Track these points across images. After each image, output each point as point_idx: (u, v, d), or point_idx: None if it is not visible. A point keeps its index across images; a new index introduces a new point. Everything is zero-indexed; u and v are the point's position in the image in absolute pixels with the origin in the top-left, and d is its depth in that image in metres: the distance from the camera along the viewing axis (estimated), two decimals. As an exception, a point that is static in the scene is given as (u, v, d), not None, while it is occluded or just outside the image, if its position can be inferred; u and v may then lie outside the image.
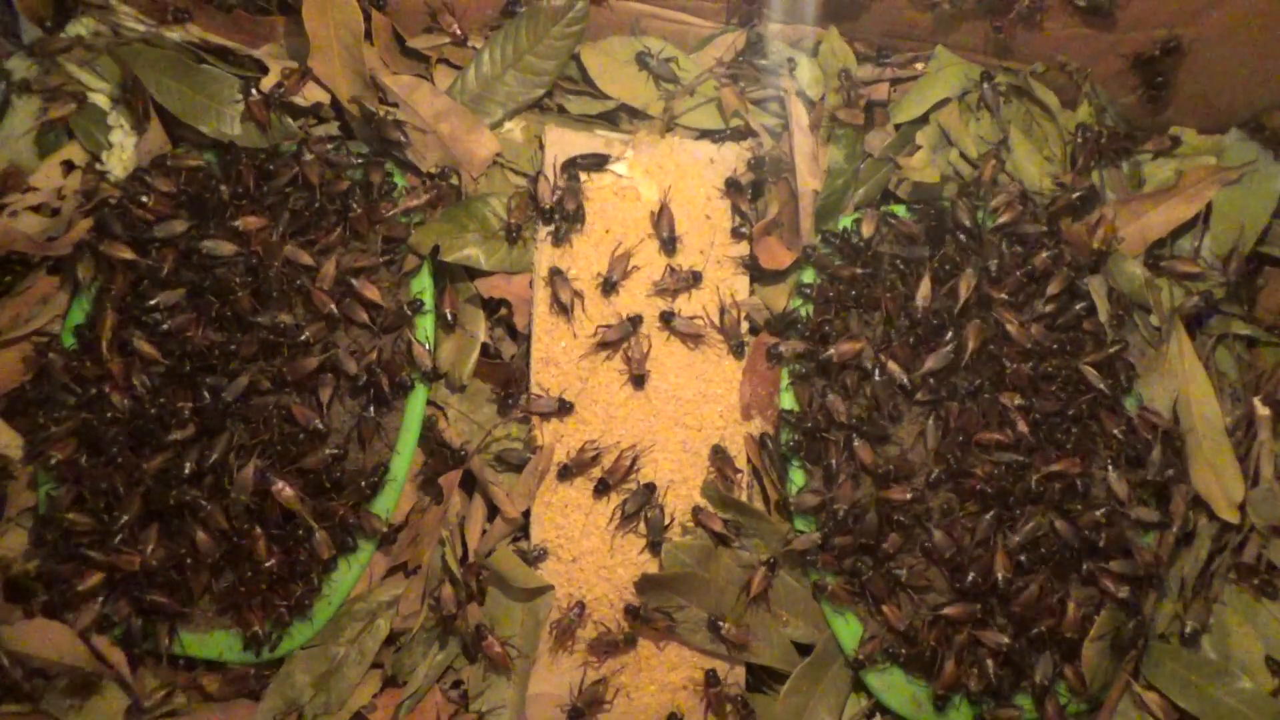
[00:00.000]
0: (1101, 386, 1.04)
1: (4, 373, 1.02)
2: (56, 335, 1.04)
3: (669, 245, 1.09)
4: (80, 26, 1.10)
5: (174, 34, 1.09)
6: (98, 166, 1.08)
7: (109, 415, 0.98)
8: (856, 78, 1.15)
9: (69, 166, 1.08)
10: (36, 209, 1.06)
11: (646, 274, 1.09)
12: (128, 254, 1.01)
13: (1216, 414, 1.06)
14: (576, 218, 1.08)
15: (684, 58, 1.16)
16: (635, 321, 1.06)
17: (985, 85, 1.15)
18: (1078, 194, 1.11)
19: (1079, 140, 1.14)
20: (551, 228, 1.09)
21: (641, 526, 1.03)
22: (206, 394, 0.97)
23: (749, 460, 1.06)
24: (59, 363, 1.00)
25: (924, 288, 1.05)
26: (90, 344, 1.01)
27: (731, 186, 1.11)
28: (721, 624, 0.99)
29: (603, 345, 1.06)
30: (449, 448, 1.02)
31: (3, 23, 1.08)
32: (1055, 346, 1.06)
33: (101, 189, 1.06)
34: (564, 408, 1.04)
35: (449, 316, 1.05)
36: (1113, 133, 1.15)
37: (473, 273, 1.09)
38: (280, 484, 0.96)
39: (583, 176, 1.10)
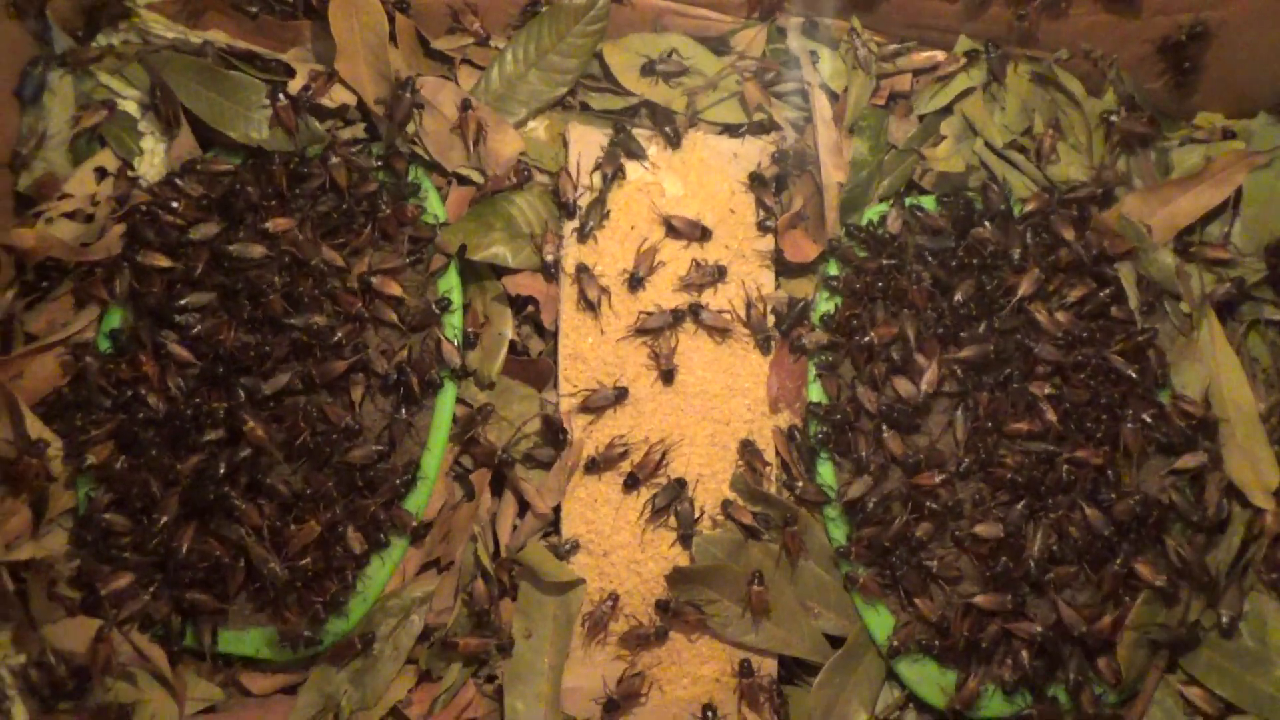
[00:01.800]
0: (1131, 374, 1.04)
1: (41, 377, 1.04)
2: (92, 340, 1.05)
3: (695, 232, 1.09)
4: (111, 36, 1.11)
5: (201, 40, 1.11)
6: (129, 173, 1.10)
7: (145, 417, 0.99)
8: (864, 37, 1.14)
9: (102, 173, 1.10)
10: (71, 215, 1.08)
11: (672, 270, 1.10)
12: (164, 262, 1.03)
13: (1249, 400, 1.05)
14: (616, 177, 1.08)
15: (706, 53, 1.16)
16: (679, 315, 1.06)
17: (991, 52, 1.14)
18: (1105, 183, 1.10)
19: (1108, 125, 1.13)
20: (576, 224, 1.09)
21: (671, 520, 1.04)
22: (242, 393, 0.98)
23: (777, 453, 1.07)
24: (95, 366, 1.01)
25: (966, 287, 1.05)
26: (125, 348, 1.03)
27: (755, 180, 1.11)
28: (756, 584, 0.99)
29: (641, 331, 1.06)
30: (488, 450, 1.03)
31: (36, 33, 1.10)
32: (1085, 335, 1.05)
33: (134, 195, 1.08)
34: (621, 395, 1.04)
35: (472, 336, 1.06)
36: (1137, 117, 1.14)
37: (500, 270, 1.09)
38: (251, 423, 0.96)
39: (613, 178, 1.10)
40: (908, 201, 1.12)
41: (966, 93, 1.15)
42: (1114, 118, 1.14)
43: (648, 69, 1.13)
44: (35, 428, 1.00)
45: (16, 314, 1.05)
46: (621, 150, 1.10)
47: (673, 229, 1.09)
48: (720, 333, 1.08)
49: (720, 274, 1.08)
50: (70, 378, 1.03)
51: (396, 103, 1.09)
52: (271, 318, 1.01)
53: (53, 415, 1.03)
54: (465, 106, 1.10)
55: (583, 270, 1.07)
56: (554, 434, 1.03)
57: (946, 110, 1.16)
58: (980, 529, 1.00)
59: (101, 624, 0.96)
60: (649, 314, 1.07)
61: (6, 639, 0.96)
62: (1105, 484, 1.02)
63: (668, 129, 1.11)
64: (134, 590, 0.97)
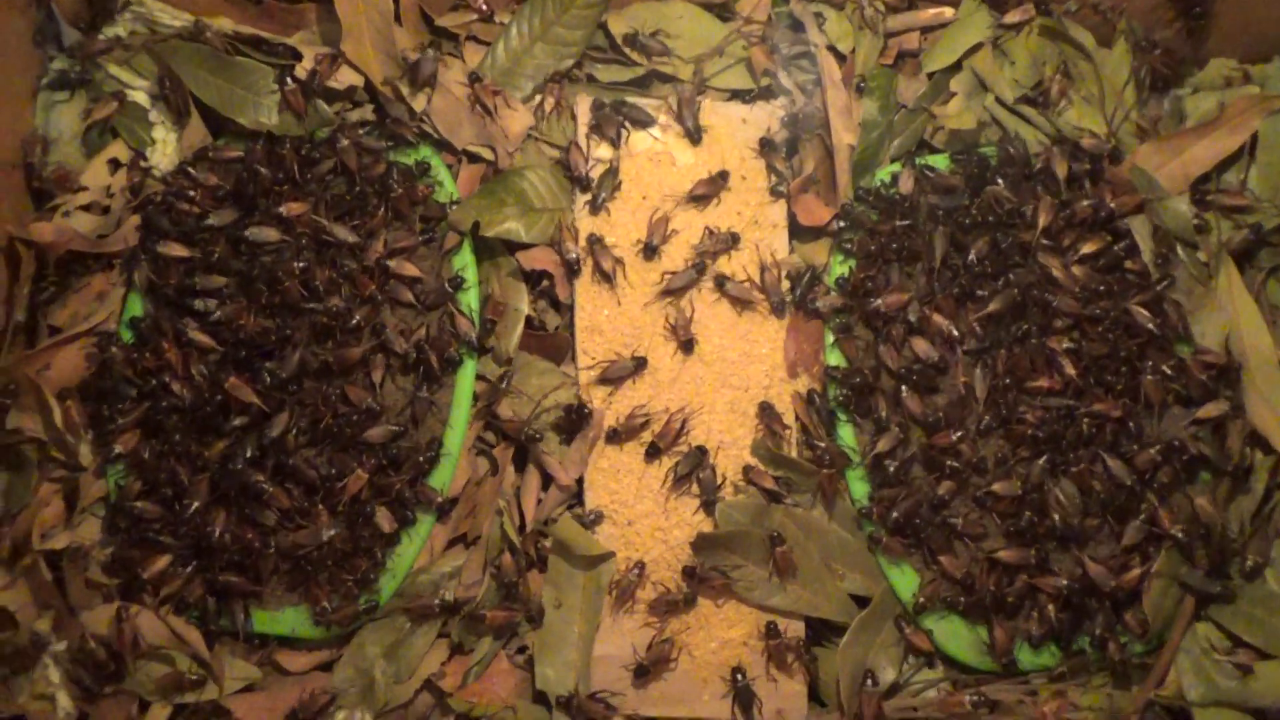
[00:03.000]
0: (1150, 326, 1.04)
1: (67, 368, 1.05)
2: (114, 330, 1.06)
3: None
4: (117, 27, 1.12)
5: (206, 28, 1.11)
6: (142, 163, 1.11)
7: (170, 405, 1.01)
8: None
9: (115, 165, 1.11)
10: (87, 208, 1.09)
11: (685, 238, 1.10)
12: (182, 251, 1.04)
13: (1270, 347, 1.04)
14: (621, 140, 1.09)
15: (711, 19, 1.16)
16: (699, 268, 1.06)
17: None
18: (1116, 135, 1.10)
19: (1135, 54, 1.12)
20: (588, 196, 1.09)
21: (694, 488, 1.04)
22: (267, 376, 0.99)
23: (796, 417, 1.07)
24: (120, 356, 1.02)
25: (980, 245, 1.04)
26: (146, 337, 1.04)
27: (765, 145, 1.11)
28: (779, 545, 1.00)
29: (668, 293, 1.07)
30: (510, 426, 1.04)
31: (44, 28, 1.10)
32: (1101, 289, 1.05)
33: (148, 184, 1.08)
34: (640, 365, 1.05)
35: (490, 324, 1.07)
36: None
37: (513, 246, 1.10)
38: (234, 379, 0.98)
39: (620, 143, 1.10)
40: (919, 161, 1.11)
41: (976, 48, 1.14)
42: (1142, 46, 1.12)
43: (631, 41, 1.13)
44: (63, 419, 1.01)
45: (40, 307, 1.06)
46: (622, 117, 1.10)
47: (697, 197, 1.09)
48: (738, 300, 1.08)
49: (734, 240, 1.08)
50: (95, 368, 1.05)
51: (418, 68, 1.08)
52: (289, 302, 1.02)
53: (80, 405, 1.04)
54: (474, 79, 1.10)
55: (596, 242, 1.08)
56: (576, 416, 1.04)
57: (956, 67, 1.15)
58: (999, 486, 1.00)
59: (120, 605, 0.98)
60: (672, 274, 1.07)
61: (47, 626, 0.98)
62: (1126, 436, 1.02)
63: (689, 124, 1.10)
64: (170, 573, 0.99)
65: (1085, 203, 1.07)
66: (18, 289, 1.04)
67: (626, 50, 1.14)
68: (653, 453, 1.04)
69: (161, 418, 1.01)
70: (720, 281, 1.07)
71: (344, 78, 1.10)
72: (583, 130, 1.11)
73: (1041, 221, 1.05)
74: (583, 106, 1.12)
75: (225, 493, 0.99)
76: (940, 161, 1.12)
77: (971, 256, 1.05)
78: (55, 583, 0.99)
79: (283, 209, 1.04)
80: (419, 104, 1.09)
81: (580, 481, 1.05)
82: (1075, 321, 1.05)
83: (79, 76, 1.10)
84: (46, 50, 1.11)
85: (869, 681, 1.00)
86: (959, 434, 1.00)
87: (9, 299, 1.05)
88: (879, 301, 1.05)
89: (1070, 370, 1.02)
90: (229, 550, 0.98)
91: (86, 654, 0.97)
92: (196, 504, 0.98)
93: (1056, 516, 0.99)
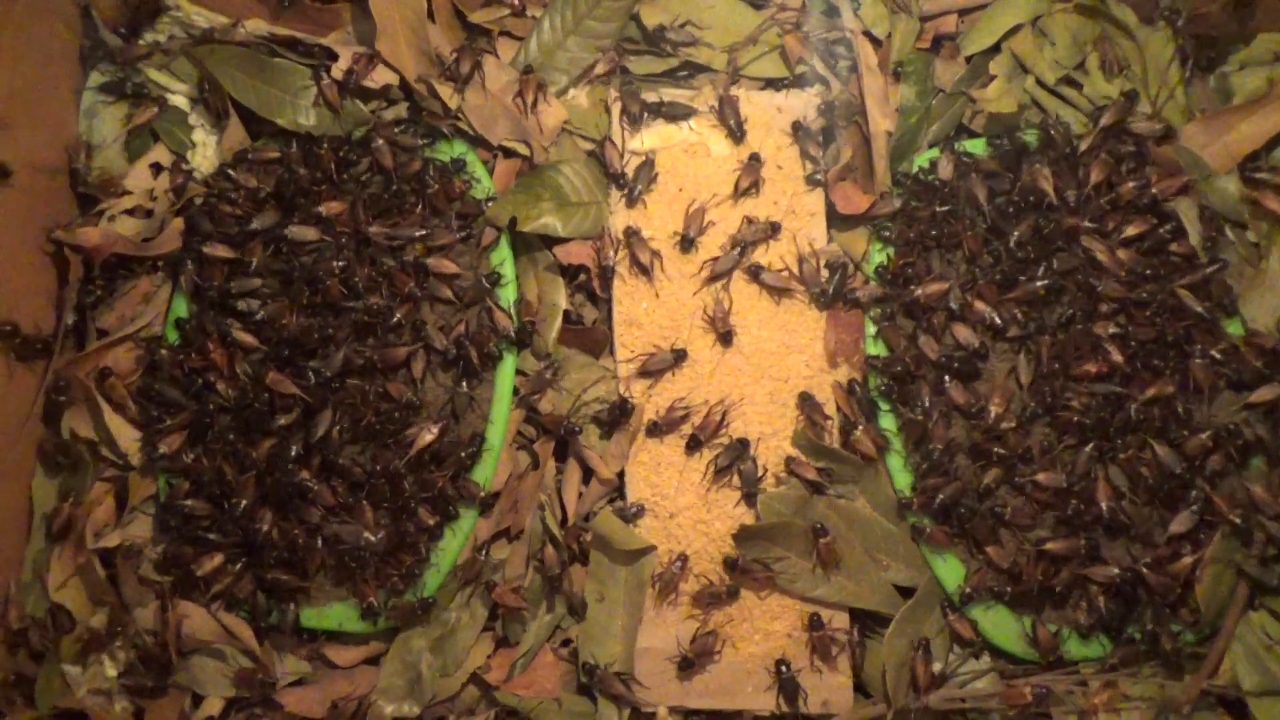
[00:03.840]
0: (1199, 309, 1.01)
1: (116, 370, 1.06)
2: (161, 333, 1.08)
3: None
4: (156, 32, 1.13)
5: (244, 30, 1.12)
6: (184, 166, 1.12)
7: (217, 405, 1.02)
8: None
9: (157, 168, 1.12)
10: (131, 212, 1.10)
11: (722, 229, 1.09)
12: (226, 253, 1.05)
13: (1324, 328, 1.02)
14: (642, 123, 1.09)
15: (744, 8, 1.15)
16: (741, 248, 1.06)
17: None
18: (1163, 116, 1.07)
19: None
20: (625, 191, 1.09)
21: (735, 480, 1.04)
22: (311, 375, 1.00)
23: (838, 408, 1.06)
24: (168, 357, 1.04)
25: (1023, 229, 1.03)
26: (191, 338, 1.05)
27: (798, 129, 1.10)
28: (822, 536, 1.00)
29: (714, 278, 1.07)
30: (549, 421, 1.04)
31: (89, 36, 1.12)
32: (1148, 272, 1.03)
33: (190, 187, 1.10)
34: (680, 358, 1.05)
35: (530, 326, 1.07)
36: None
37: (549, 241, 1.10)
38: (274, 374, 0.99)
39: (656, 136, 1.10)
40: (957, 146, 1.10)
41: (1015, 30, 1.12)
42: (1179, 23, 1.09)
43: (660, 32, 1.12)
44: (114, 421, 1.03)
45: (87, 310, 1.08)
46: (635, 103, 1.10)
47: (742, 191, 1.09)
48: (776, 291, 1.08)
49: (774, 230, 1.08)
50: (142, 370, 1.06)
51: (459, 65, 1.09)
52: (330, 301, 1.03)
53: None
54: (526, 70, 1.10)
55: (633, 234, 1.07)
56: (618, 412, 1.04)
57: (994, 49, 1.13)
58: (1044, 476, 0.99)
59: (164, 596, 0.99)
60: (714, 259, 1.06)
61: (102, 622, 1.00)
62: (1176, 421, 1.00)
63: (731, 122, 1.10)
64: (223, 570, 1.00)
65: (1130, 184, 1.05)
66: (66, 293, 1.07)
67: (657, 41, 1.13)
68: (693, 445, 1.04)
69: (208, 417, 1.02)
70: (755, 271, 1.07)
71: (379, 76, 1.11)
72: (617, 125, 1.10)
73: (1094, 177, 1.02)
74: (614, 101, 1.11)
75: (272, 490, 1.00)
76: (979, 146, 1.10)
77: (1013, 241, 1.04)
78: (109, 580, 1.01)
79: (321, 208, 1.05)
80: (454, 101, 1.10)
81: (621, 475, 1.05)
82: (1121, 306, 1.03)
83: (135, 87, 1.11)
84: (90, 58, 1.12)
85: (920, 651, 0.99)
86: (1006, 422, 0.99)
87: (59, 303, 1.07)
88: (920, 290, 1.03)
89: (1117, 356, 1.00)
90: (276, 547, 0.99)
91: (140, 649, 0.99)
92: (244, 502, 0.99)
93: (1104, 505, 0.97)
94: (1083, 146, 1.07)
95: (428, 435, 1.00)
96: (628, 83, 1.11)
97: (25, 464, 1.05)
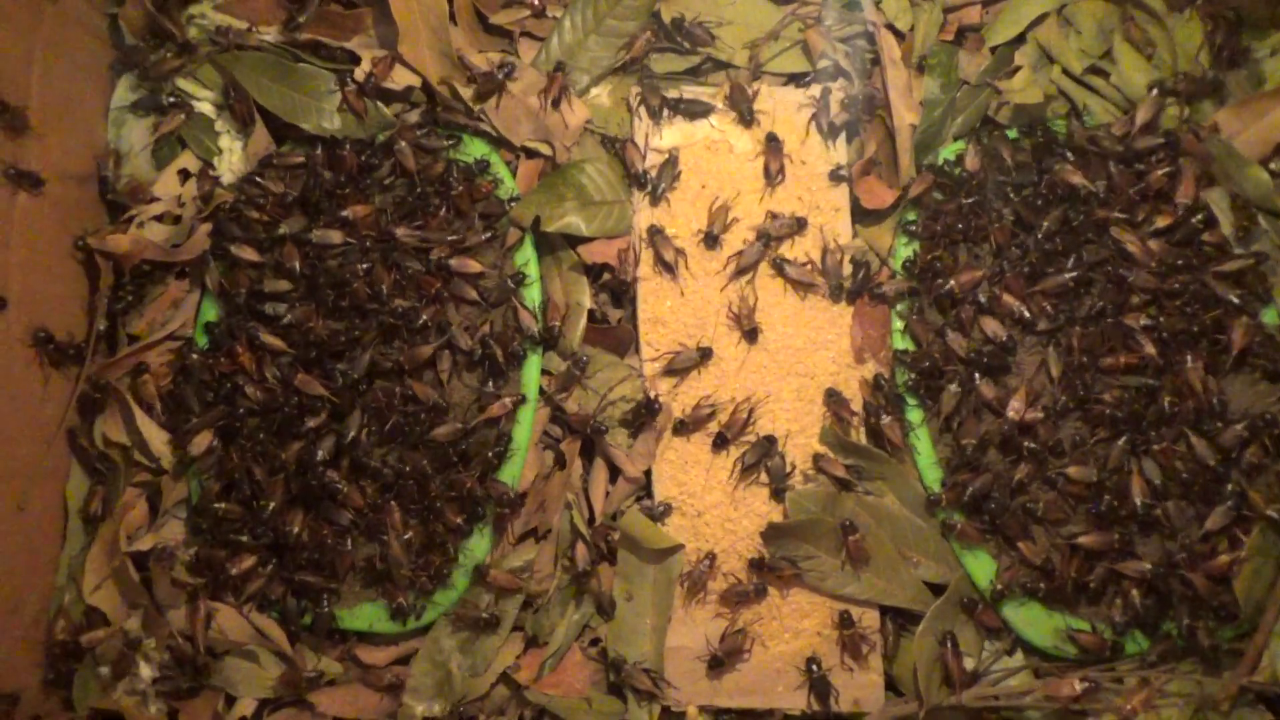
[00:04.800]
0: (1232, 298, 1.00)
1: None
2: (190, 337, 1.09)
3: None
4: (184, 30, 1.14)
5: (268, 35, 1.13)
6: (211, 172, 1.13)
7: (246, 409, 1.03)
8: None
9: (185, 175, 1.13)
10: (160, 218, 1.11)
11: (746, 225, 1.09)
12: (255, 257, 1.06)
13: (1363, 318, 1.00)
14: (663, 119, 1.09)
15: (766, 3, 1.14)
16: (765, 239, 1.05)
17: None
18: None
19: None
20: (647, 190, 1.09)
21: (762, 477, 1.04)
22: (340, 377, 1.01)
23: (865, 403, 1.05)
24: (198, 362, 1.05)
25: (1051, 221, 1.02)
26: (220, 342, 1.06)
27: (817, 119, 1.09)
28: (851, 533, 0.99)
29: (741, 271, 1.06)
30: (575, 420, 1.04)
31: (116, 47, 1.14)
32: (1180, 262, 1.02)
33: (217, 193, 1.11)
34: (705, 355, 1.04)
35: (556, 330, 1.07)
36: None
37: (574, 240, 1.10)
38: (303, 375, 1.00)
39: (678, 133, 1.09)
40: (983, 138, 1.08)
41: (1040, 19, 1.11)
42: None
43: (678, 29, 1.12)
44: (146, 425, 1.04)
45: (118, 316, 1.09)
46: (656, 97, 1.09)
47: (769, 176, 1.08)
48: (801, 287, 1.07)
49: (800, 225, 1.07)
50: (173, 374, 1.07)
51: (487, 81, 1.09)
52: (357, 304, 1.03)
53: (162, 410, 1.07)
54: (558, 68, 1.10)
55: (656, 233, 1.07)
56: (645, 411, 1.03)
57: (1019, 39, 1.12)
58: (1074, 470, 0.98)
59: (193, 595, 1.00)
60: (739, 253, 1.06)
61: (137, 625, 1.01)
62: (1210, 413, 0.98)
63: (741, 107, 1.09)
64: (255, 572, 1.01)
65: (1160, 173, 1.04)
66: (97, 299, 1.08)
67: (676, 37, 1.13)
68: (720, 443, 1.04)
69: (238, 421, 1.03)
70: (779, 264, 1.06)
71: (400, 79, 1.11)
72: (638, 125, 1.10)
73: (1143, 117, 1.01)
74: (635, 95, 1.11)
75: (301, 492, 1.01)
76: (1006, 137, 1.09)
77: (1041, 233, 1.03)
78: (143, 583, 1.02)
79: (346, 212, 1.05)
80: (476, 103, 1.10)
81: (648, 474, 1.05)
82: (1153, 297, 1.01)
83: (173, 101, 1.12)
84: (118, 69, 1.14)
85: (949, 644, 0.98)
86: (1036, 414, 0.98)
87: (90, 309, 1.09)
88: (950, 283, 1.02)
89: (1150, 349, 0.99)
90: (307, 549, 1.00)
91: (174, 650, 1.00)
92: (274, 504, 1.00)
93: (1138, 500, 0.96)
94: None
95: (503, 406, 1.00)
96: (649, 76, 1.10)
97: (60, 468, 1.06)
